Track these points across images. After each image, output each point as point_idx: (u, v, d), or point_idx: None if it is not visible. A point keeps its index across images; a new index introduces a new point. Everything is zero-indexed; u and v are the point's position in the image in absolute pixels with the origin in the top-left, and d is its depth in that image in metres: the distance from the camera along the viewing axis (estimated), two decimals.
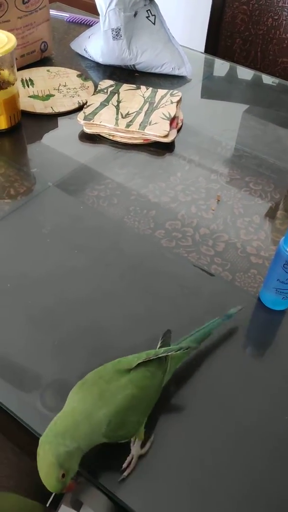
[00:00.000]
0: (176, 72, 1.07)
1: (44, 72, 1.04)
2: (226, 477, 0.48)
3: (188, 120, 0.95)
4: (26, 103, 0.94)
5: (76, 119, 0.89)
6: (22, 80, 1.00)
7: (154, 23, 1.05)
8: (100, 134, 0.89)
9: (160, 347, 0.52)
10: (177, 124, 0.91)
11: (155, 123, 0.88)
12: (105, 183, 0.80)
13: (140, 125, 0.88)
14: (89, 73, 1.08)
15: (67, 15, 1.29)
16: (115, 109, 0.91)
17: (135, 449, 0.47)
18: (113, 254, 0.68)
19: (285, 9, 1.29)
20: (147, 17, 1.04)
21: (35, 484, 0.72)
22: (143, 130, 0.87)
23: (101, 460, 0.48)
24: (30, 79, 1.01)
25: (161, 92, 0.97)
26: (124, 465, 0.47)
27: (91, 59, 1.10)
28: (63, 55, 1.13)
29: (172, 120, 0.90)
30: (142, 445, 0.48)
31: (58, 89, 0.99)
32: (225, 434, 0.51)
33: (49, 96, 0.97)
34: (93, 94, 0.96)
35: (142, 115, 0.90)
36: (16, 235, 0.71)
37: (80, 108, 0.94)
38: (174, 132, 0.89)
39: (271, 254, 0.70)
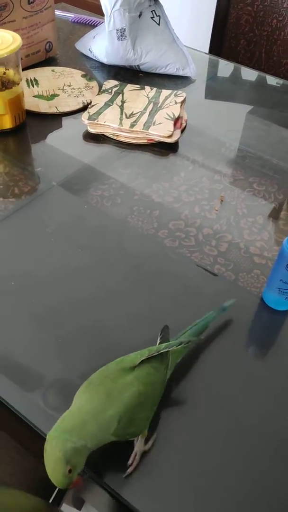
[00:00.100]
0: (181, 73, 1.07)
1: (49, 72, 1.04)
2: (227, 476, 0.48)
3: (192, 121, 0.95)
4: (31, 103, 0.94)
5: (80, 119, 0.90)
6: (27, 80, 1.00)
7: (158, 24, 1.05)
8: (104, 134, 0.89)
9: (160, 343, 0.53)
10: (181, 124, 0.92)
11: (159, 123, 0.88)
12: (109, 183, 0.80)
13: (144, 125, 0.88)
14: (94, 73, 1.08)
15: (72, 15, 1.29)
16: (119, 109, 0.91)
17: (138, 446, 0.48)
18: (116, 254, 0.69)
19: None
20: (151, 17, 1.04)
21: (38, 481, 0.72)
22: (147, 130, 0.87)
23: (104, 458, 0.48)
24: (35, 79, 1.01)
25: (165, 92, 0.97)
26: (129, 462, 0.47)
27: (96, 59, 1.10)
28: (67, 55, 1.13)
29: (176, 120, 0.90)
30: (145, 441, 0.49)
31: (63, 89, 0.99)
32: (227, 434, 0.51)
33: (53, 96, 0.97)
34: (98, 94, 0.96)
35: (146, 115, 0.91)
36: (20, 234, 0.71)
37: (84, 108, 0.94)
38: (178, 132, 0.89)
39: (274, 254, 0.70)
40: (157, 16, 1.05)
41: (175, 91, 0.97)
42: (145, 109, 0.92)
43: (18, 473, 0.72)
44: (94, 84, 1.01)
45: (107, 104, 0.92)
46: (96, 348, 0.57)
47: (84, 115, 0.89)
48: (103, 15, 1.03)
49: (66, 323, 0.60)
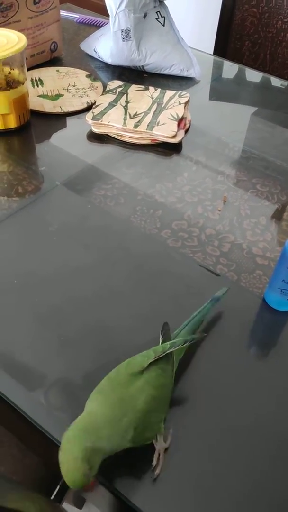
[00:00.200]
0: (185, 74, 1.08)
1: (54, 72, 1.05)
2: (228, 477, 0.48)
3: (196, 121, 0.95)
4: (35, 103, 0.94)
5: (84, 119, 0.90)
6: (31, 80, 1.01)
7: (163, 25, 1.05)
8: (108, 134, 0.89)
9: (162, 341, 0.53)
10: (184, 125, 0.92)
11: (163, 124, 0.88)
12: (112, 183, 0.80)
13: (148, 125, 0.88)
14: (98, 74, 1.08)
15: (77, 16, 1.30)
16: (123, 110, 0.92)
17: (159, 445, 0.48)
18: (119, 253, 0.69)
19: None
20: (156, 18, 1.04)
21: (39, 479, 0.72)
22: (151, 130, 0.87)
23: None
24: (39, 79, 1.02)
25: (169, 93, 0.97)
26: (154, 463, 0.47)
27: (101, 59, 1.11)
28: (72, 56, 1.14)
29: (180, 121, 0.90)
30: (164, 438, 0.48)
31: (67, 89, 1.00)
32: (228, 434, 0.51)
33: (58, 96, 0.98)
34: (102, 94, 0.96)
35: (150, 115, 0.91)
36: (24, 233, 0.71)
37: (88, 108, 0.95)
38: (181, 133, 0.89)
39: (277, 255, 0.70)
40: (162, 17, 1.05)
41: (179, 91, 0.97)
42: (149, 109, 0.92)
43: (19, 471, 0.72)
44: (98, 84, 1.02)
45: (111, 104, 0.93)
46: (99, 347, 0.57)
47: (88, 115, 0.90)
48: (108, 15, 1.03)
49: (68, 321, 0.60)
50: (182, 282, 0.66)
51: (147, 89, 0.99)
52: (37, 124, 0.92)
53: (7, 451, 0.74)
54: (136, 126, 0.88)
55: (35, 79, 1.01)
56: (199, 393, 0.54)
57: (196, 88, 1.07)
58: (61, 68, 1.06)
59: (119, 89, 0.98)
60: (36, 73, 1.03)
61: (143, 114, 0.91)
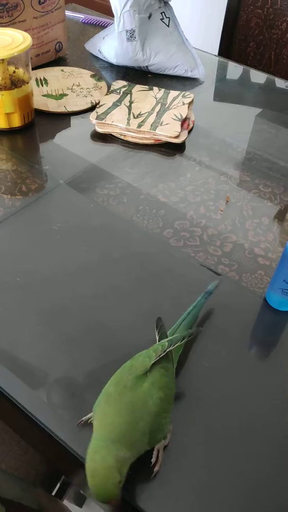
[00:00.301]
0: (189, 74, 1.08)
1: (58, 71, 1.05)
2: (228, 475, 0.48)
3: (200, 122, 0.96)
4: (40, 102, 0.95)
5: (88, 118, 0.90)
6: (36, 79, 1.01)
7: (168, 25, 1.05)
8: (112, 133, 0.90)
9: (159, 338, 0.53)
10: (188, 125, 0.92)
11: (167, 124, 0.89)
12: (115, 182, 0.81)
13: (151, 125, 0.88)
14: (103, 74, 1.09)
15: (83, 16, 1.30)
16: (127, 109, 0.92)
17: (158, 443, 0.48)
18: (121, 252, 0.69)
19: None
20: (161, 19, 1.05)
21: (41, 475, 0.73)
22: (154, 130, 0.87)
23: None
24: (44, 78, 1.02)
25: (173, 93, 0.98)
26: (153, 460, 0.47)
27: (105, 59, 1.11)
28: (77, 56, 1.14)
29: (184, 121, 0.91)
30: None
31: (72, 89, 1.00)
32: (228, 435, 0.51)
33: (62, 95, 0.98)
34: (106, 94, 0.97)
35: (153, 115, 0.91)
36: (27, 231, 0.72)
37: (92, 107, 0.95)
38: (185, 133, 0.89)
39: (279, 256, 0.70)
40: (166, 17, 1.05)
41: (183, 92, 0.98)
42: (153, 109, 0.93)
43: (21, 468, 0.72)
44: (102, 84, 1.02)
45: (115, 104, 0.93)
46: (101, 345, 0.58)
47: (92, 115, 0.90)
48: (113, 16, 1.03)
49: (71, 319, 0.61)
50: (184, 281, 0.66)
51: (151, 89, 0.99)
52: (41, 123, 0.92)
53: (8, 448, 0.74)
54: (139, 126, 0.88)
55: (40, 79, 1.02)
56: (200, 392, 0.54)
57: (200, 88, 1.07)
58: (65, 68, 1.07)
59: (123, 89, 0.98)
60: (41, 73, 1.04)
61: (146, 114, 0.91)
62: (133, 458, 0.44)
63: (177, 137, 0.87)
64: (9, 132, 0.89)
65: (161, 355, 0.49)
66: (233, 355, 0.58)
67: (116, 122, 0.88)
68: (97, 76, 1.05)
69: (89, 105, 0.96)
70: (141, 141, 0.89)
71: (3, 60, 0.80)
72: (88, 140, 0.90)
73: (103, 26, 1.26)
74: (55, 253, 0.69)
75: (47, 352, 0.57)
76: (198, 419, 0.52)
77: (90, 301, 0.63)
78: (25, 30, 0.95)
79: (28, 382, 0.54)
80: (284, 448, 0.50)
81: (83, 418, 0.50)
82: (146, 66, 1.07)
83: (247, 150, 0.91)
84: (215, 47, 1.44)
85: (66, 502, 0.85)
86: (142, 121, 0.89)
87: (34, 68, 1.02)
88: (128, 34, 1.02)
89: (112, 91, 0.97)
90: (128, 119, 0.89)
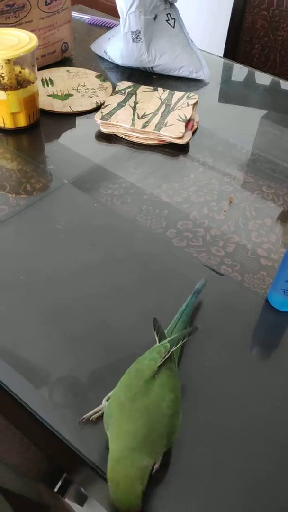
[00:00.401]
0: (194, 75, 1.08)
1: (64, 72, 1.06)
2: (229, 476, 0.48)
3: (204, 123, 0.96)
4: (45, 102, 0.95)
5: (93, 118, 0.91)
6: (42, 80, 1.02)
7: (173, 27, 1.06)
8: (116, 134, 0.90)
9: (159, 339, 0.53)
10: (192, 126, 0.92)
11: (171, 125, 0.89)
12: (119, 182, 0.81)
13: (155, 126, 0.89)
14: (108, 74, 1.09)
15: (89, 17, 1.31)
16: (132, 110, 0.92)
17: None
18: (124, 252, 0.70)
19: None
20: (166, 20, 1.05)
21: (43, 473, 0.73)
22: (159, 131, 0.88)
23: (107, 452, 0.49)
24: (50, 79, 1.03)
25: (178, 94, 0.98)
26: None
27: (111, 60, 1.12)
28: (83, 56, 1.15)
29: (188, 122, 0.91)
30: None
31: (77, 89, 1.01)
32: (230, 435, 0.51)
33: (67, 95, 0.99)
34: (111, 95, 0.97)
35: (158, 116, 0.91)
36: (31, 230, 0.72)
37: (97, 108, 0.96)
38: (189, 134, 0.90)
39: (281, 256, 0.70)
40: (172, 19, 1.06)
41: (188, 93, 0.98)
42: (157, 110, 0.93)
43: (23, 465, 0.73)
44: (108, 85, 1.03)
45: (120, 105, 0.94)
46: (104, 344, 0.58)
47: (97, 115, 0.91)
48: (118, 17, 1.04)
49: (74, 318, 0.61)
50: (187, 281, 0.66)
51: (156, 90, 0.99)
52: (46, 123, 0.93)
53: (11, 445, 0.75)
54: (144, 126, 0.89)
55: (46, 79, 1.02)
56: (201, 393, 0.54)
57: (205, 90, 1.07)
58: (71, 69, 1.07)
59: (128, 90, 0.99)
60: (47, 73, 1.04)
61: (151, 115, 0.92)
62: (153, 463, 0.44)
63: (181, 138, 0.88)
64: (15, 132, 0.89)
65: (166, 357, 0.49)
66: (234, 355, 0.58)
67: (121, 123, 0.89)
68: (103, 77, 1.05)
69: (94, 106, 0.96)
70: (145, 142, 0.89)
71: (9, 60, 0.81)
72: (93, 140, 0.90)
73: (109, 27, 1.27)
74: (59, 252, 0.69)
75: (51, 351, 0.57)
76: (199, 419, 0.52)
77: (94, 300, 0.63)
78: (32, 31, 0.95)
79: (32, 380, 0.55)
80: (285, 448, 0.51)
81: (85, 416, 0.50)
82: (151, 67, 1.08)
83: (251, 151, 0.91)
84: (220, 49, 1.45)
85: (67, 500, 0.85)
86: (146, 122, 0.90)
87: (40, 69, 1.02)
88: (133, 35, 1.03)
89: (117, 92, 0.98)
90: (133, 120, 0.90)
